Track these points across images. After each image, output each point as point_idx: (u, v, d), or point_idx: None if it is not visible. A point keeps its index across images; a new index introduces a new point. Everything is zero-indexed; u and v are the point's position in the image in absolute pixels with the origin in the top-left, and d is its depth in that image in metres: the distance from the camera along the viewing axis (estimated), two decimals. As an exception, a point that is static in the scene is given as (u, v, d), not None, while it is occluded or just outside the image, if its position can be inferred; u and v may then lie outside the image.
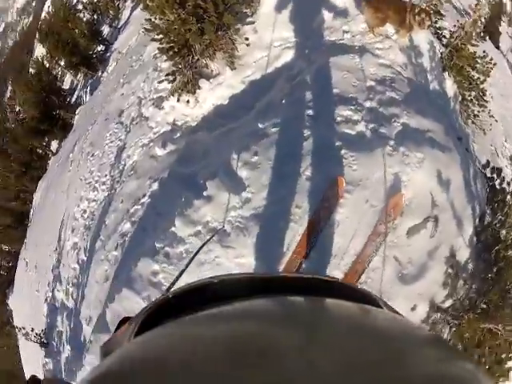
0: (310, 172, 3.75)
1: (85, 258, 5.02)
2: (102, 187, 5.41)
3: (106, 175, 5.45)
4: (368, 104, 4.15)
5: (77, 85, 12.83)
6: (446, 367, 0.35)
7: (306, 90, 4.27)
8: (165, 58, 5.33)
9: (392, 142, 3.95)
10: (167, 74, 5.04)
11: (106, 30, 13.44)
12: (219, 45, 4.79)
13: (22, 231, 11.73)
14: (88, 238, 5.08)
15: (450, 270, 3.89)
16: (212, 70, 5.05)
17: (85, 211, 5.48)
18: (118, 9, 14.73)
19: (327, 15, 5.00)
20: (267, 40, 5.00)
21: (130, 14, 13.20)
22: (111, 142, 5.75)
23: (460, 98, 5.77)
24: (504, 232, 4.12)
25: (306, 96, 4.22)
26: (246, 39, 4.90)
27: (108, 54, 10.89)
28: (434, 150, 4.05)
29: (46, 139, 11.83)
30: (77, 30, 11.38)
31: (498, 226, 4.21)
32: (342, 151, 3.80)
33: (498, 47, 15.27)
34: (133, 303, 3.76)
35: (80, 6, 14.53)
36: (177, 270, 3.72)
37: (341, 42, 4.71)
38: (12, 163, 11.34)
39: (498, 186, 4.52)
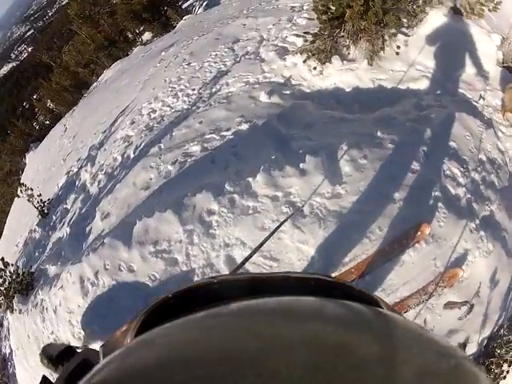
0: (403, 203, 3.68)
1: (132, 155, 4.64)
2: (184, 98, 5.02)
3: (194, 89, 5.07)
4: (474, 175, 4.14)
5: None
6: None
7: (429, 126, 4.18)
8: (305, 15, 5.06)
9: (477, 221, 3.96)
10: (307, 32, 4.77)
11: None
12: (370, 35, 4.59)
13: (75, 98, 11.41)
14: (145, 138, 4.69)
15: None
16: (349, 53, 4.84)
17: (154, 111, 5.08)
18: None
19: (472, 70, 4.94)
20: (412, 58, 4.85)
21: None
22: (214, 62, 5.38)
23: None
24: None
25: (427, 131, 4.15)
26: (398, 47, 4.73)
27: None
28: (502, 249, 4.12)
29: (141, 28, 11.38)
30: None
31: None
32: (439, 203, 3.77)
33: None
34: (171, 229, 3.51)
35: None
36: (234, 221, 3.53)
37: (475, 103, 4.67)
38: (98, 33, 10.86)
39: None
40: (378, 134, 3.94)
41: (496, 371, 3.88)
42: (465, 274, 3.92)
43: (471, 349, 4.25)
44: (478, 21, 5.74)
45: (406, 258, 3.60)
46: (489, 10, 5.75)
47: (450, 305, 4.00)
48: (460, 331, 4.11)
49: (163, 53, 6.84)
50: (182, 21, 9.09)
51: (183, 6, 11.16)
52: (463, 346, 4.18)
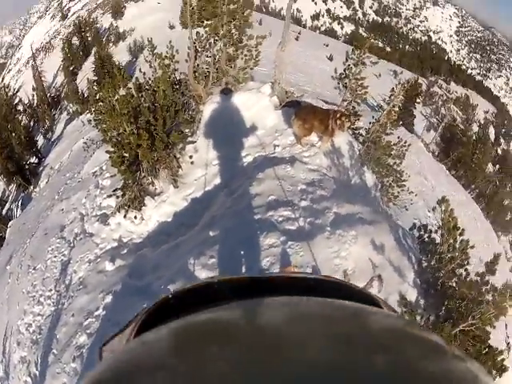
0: (263, 264, 4.21)
1: (37, 372, 4.94)
2: (47, 301, 5.41)
3: (50, 290, 5.48)
4: (303, 203, 4.87)
5: (8, 196, 12.69)
6: (451, 365, 0.35)
7: (246, 200, 4.92)
8: (107, 175, 5.86)
9: (328, 229, 4.64)
10: (115, 190, 5.49)
11: (40, 140, 13.90)
12: (165, 163, 5.42)
13: None
14: (38, 352, 5.03)
15: (404, 309, 4.59)
16: (156, 188, 5.60)
17: (30, 325, 5.43)
18: (53, 119, 15.42)
19: (259, 132, 5.89)
20: (206, 159, 5.74)
21: (64, 129, 13.96)
22: (54, 256, 5.81)
23: (379, 186, 6.73)
24: (442, 272, 5.02)
25: (248, 205, 4.86)
26: (190, 157, 5.61)
27: (40, 168, 11.27)
28: (365, 226, 4.81)
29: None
30: (14, 134, 11.68)
31: (435, 266, 5.13)
32: (289, 243, 4.37)
33: (411, 130, 17.53)
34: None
35: (20, 107, 14.97)
36: None
37: (272, 155, 5.55)
38: None
39: (426, 239, 5.53)
40: (210, 233, 4.63)
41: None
42: (351, 266, 4.49)
43: (413, 294, 4.82)
44: (247, 84, 6.86)
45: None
46: (251, 68, 6.92)
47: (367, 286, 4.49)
48: (390, 296, 4.66)
49: (8, 267, 7.13)
50: (8, 229, 9.51)
51: (3, 213, 11.39)
52: (404, 299, 4.74)
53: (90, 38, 23.69)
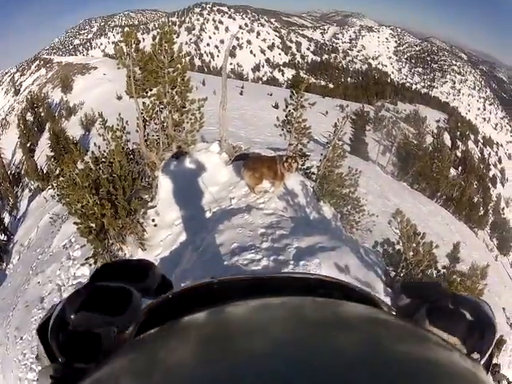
0: None
1: None
2: (38, 367, 5.42)
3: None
4: (264, 245, 5.17)
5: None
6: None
7: (211, 251, 5.17)
8: (77, 246, 6.05)
9: (292, 262, 4.91)
10: (87, 258, 5.69)
11: (6, 218, 13.89)
12: (130, 228, 5.66)
13: None
14: None
15: None
16: (125, 253, 5.84)
17: None
18: (16, 196, 15.39)
19: (214, 188, 6.25)
20: (169, 220, 6.03)
21: (28, 206, 14.05)
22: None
23: (339, 216, 7.10)
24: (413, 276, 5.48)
25: (213, 255, 5.09)
26: (153, 220, 5.88)
27: (10, 246, 11.29)
28: (326, 252, 5.09)
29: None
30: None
31: (404, 273, 5.64)
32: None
33: (366, 158, 18.37)
34: None
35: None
36: None
37: (230, 207, 5.89)
38: None
39: (391, 251, 6.19)
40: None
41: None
42: None
43: None
44: (196, 146, 7.25)
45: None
46: (197, 130, 7.33)
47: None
48: None
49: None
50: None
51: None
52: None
53: (42, 114, 24.33)
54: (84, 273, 5.97)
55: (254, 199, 5.98)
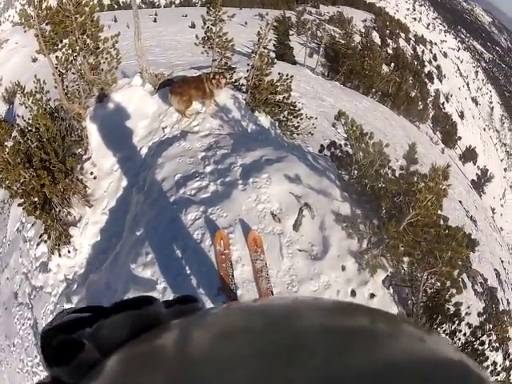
0: (195, 240, 4.39)
1: None
2: (40, 368, 5.41)
3: (36, 356, 5.49)
4: (208, 169, 5.06)
5: None
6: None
7: (156, 188, 5.01)
8: (28, 226, 5.76)
9: (240, 181, 4.88)
10: (41, 235, 5.43)
11: None
12: (72, 189, 5.38)
13: None
14: None
15: (344, 224, 4.92)
16: (75, 216, 5.58)
17: None
18: None
19: (145, 122, 5.94)
20: (107, 168, 5.74)
21: None
22: (22, 324, 5.76)
23: (277, 124, 7.04)
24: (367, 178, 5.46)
25: (159, 192, 4.96)
26: (91, 173, 5.59)
27: None
28: (273, 165, 5.08)
29: None
30: None
31: (358, 175, 5.58)
32: (209, 210, 4.56)
33: (294, 62, 18.05)
34: None
35: None
36: None
37: (164, 137, 5.64)
38: None
39: (339, 154, 6.05)
40: (137, 233, 4.71)
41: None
42: (275, 206, 4.77)
43: (346, 207, 5.17)
44: (118, 84, 6.78)
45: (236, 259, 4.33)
46: (115, 68, 6.82)
47: (296, 225, 4.77)
48: (325, 217, 4.99)
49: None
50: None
51: None
52: (339, 215, 5.05)
53: (-37, 99, 21.89)
54: (43, 251, 5.72)
55: (187, 123, 5.75)
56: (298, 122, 7.49)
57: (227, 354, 0.31)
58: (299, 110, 7.69)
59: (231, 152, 5.29)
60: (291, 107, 7.56)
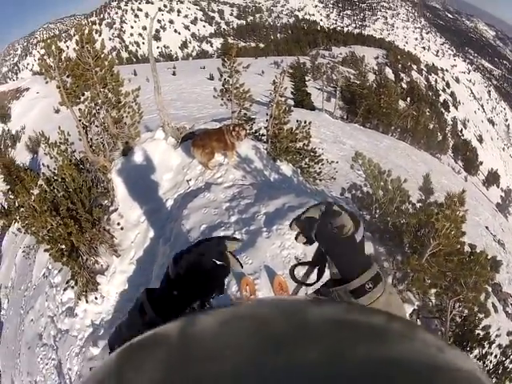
0: None
1: None
2: None
3: None
4: (232, 219, 5.10)
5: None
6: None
7: (182, 239, 5.06)
8: (55, 272, 5.85)
9: (264, 229, 4.89)
10: (67, 281, 5.51)
11: None
12: (99, 238, 5.49)
13: None
14: None
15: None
16: (102, 265, 5.67)
17: None
18: None
19: (169, 175, 6.09)
20: (133, 219, 5.86)
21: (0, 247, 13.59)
22: (46, 364, 5.77)
23: (299, 171, 7.11)
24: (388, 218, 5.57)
25: (185, 243, 4.99)
26: (118, 224, 5.71)
27: None
28: (296, 211, 5.07)
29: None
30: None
31: (379, 214, 5.71)
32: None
33: (312, 108, 18.38)
34: None
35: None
36: None
37: (189, 190, 5.76)
38: None
39: (360, 195, 6.28)
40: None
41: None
42: (300, 251, 4.71)
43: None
44: (141, 138, 7.03)
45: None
46: (138, 122, 7.10)
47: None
48: None
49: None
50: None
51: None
52: None
53: (-13, 148, 22.93)
54: (69, 296, 5.81)
55: (211, 175, 5.88)
56: (319, 168, 7.54)
57: (237, 335, 0.35)
58: (320, 155, 7.75)
59: (255, 201, 5.34)
60: (312, 153, 7.64)
